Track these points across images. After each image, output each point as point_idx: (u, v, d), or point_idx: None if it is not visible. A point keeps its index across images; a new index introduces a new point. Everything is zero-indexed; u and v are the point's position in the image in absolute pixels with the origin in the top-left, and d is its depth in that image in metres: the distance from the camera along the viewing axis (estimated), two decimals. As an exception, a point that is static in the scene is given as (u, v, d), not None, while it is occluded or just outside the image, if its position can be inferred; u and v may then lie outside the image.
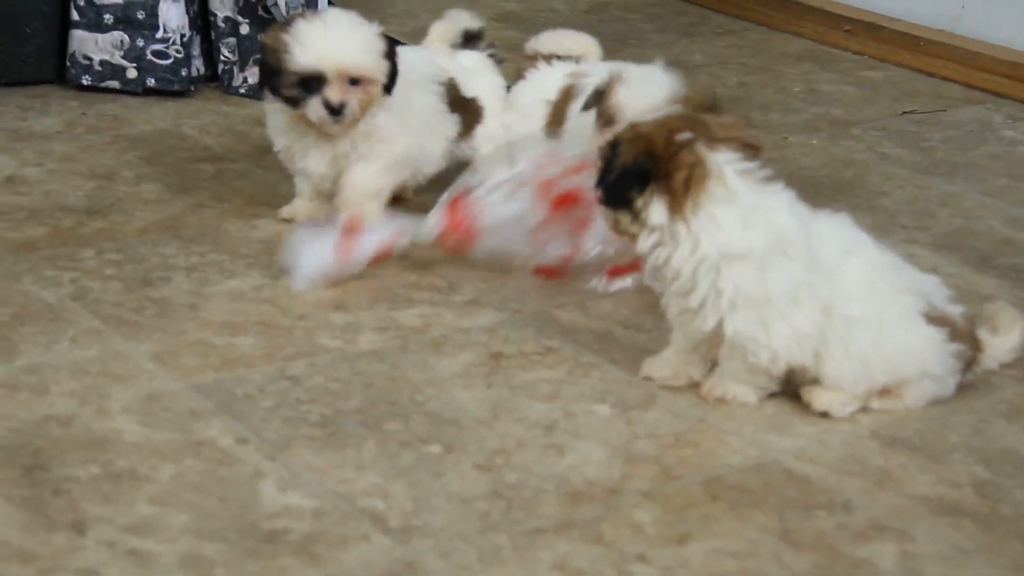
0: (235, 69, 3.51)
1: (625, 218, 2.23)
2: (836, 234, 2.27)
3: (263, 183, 3.03)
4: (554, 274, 2.60)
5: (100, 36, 3.39)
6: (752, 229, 2.18)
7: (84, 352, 2.34)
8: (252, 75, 3.50)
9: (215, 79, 3.54)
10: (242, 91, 3.49)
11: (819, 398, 2.27)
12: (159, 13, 3.39)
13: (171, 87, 3.43)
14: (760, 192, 2.21)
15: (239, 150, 3.19)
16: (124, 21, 3.39)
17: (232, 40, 3.49)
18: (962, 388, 2.36)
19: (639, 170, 2.18)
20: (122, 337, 2.39)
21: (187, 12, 3.42)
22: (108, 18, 3.38)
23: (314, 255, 2.57)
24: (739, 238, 2.18)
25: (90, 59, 3.40)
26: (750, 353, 2.22)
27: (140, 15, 3.39)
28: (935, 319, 2.27)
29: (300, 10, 3.46)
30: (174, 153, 3.16)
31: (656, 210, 2.18)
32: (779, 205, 2.22)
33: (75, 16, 3.39)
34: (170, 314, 2.48)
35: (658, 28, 4.21)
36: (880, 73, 3.90)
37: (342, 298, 2.56)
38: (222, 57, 3.50)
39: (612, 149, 2.22)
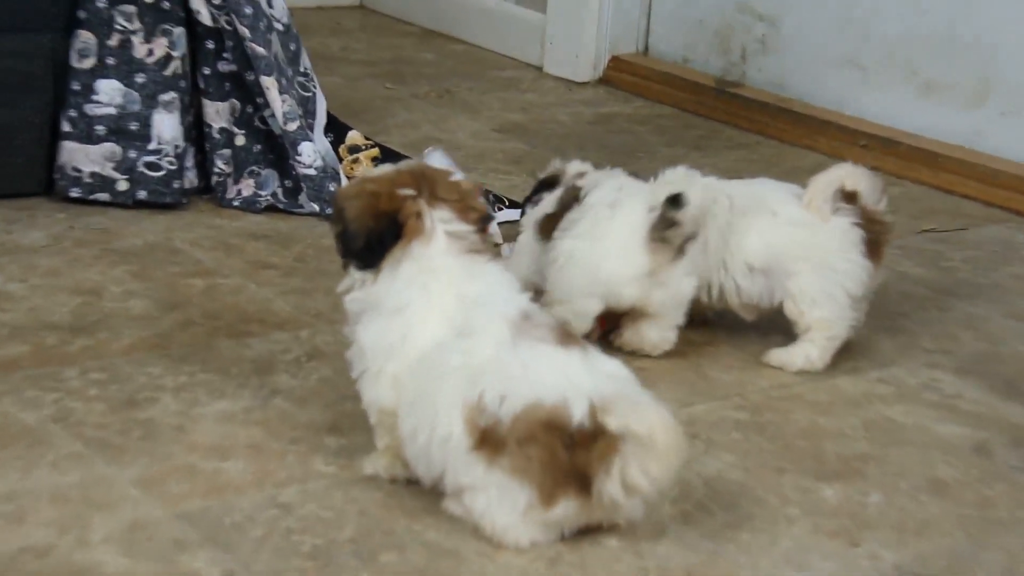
0: (229, 181, 3.41)
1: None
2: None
3: (256, 299, 2.92)
4: None
5: (91, 148, 3.30)
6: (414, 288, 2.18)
7: (64, 478, 2.22)
8: (246, 187, 3.41)
9: (209, 191, 3.44)
10: (236, 204, 3.40)
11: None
12: (152, 124, 3.31)
13: (163, 199, 3.33)
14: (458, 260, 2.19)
15: (232, 265, 3.09)
16: (116, 132, 3.30)
17: (227, 152, 3.40)
18: (993, 523, 2.24)
19: (389, 234, 2.18)
20: (105, 461, 2.28)
21: (181, 123, 3.34)
22: (100, 129, 3.29)
23: None
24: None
25: (80, 171, 3.31)
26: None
27: (133, 126, 3.30)
28: None
29: (298, 121, 3.38)
30: (164, 268, 3.05)
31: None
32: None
33: (66, 127, 3.30)
34: (156, 437, 2.36)
35: (667, 141, 4.14)
36: (897, 189, 3.80)
37: (336, 421, 2.44)
38: (216, 169, 3.40)
39: (342, 206, 2.21)
